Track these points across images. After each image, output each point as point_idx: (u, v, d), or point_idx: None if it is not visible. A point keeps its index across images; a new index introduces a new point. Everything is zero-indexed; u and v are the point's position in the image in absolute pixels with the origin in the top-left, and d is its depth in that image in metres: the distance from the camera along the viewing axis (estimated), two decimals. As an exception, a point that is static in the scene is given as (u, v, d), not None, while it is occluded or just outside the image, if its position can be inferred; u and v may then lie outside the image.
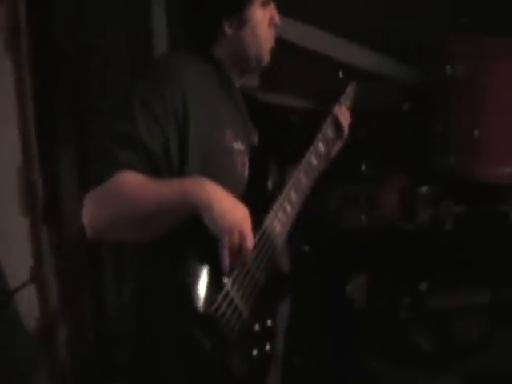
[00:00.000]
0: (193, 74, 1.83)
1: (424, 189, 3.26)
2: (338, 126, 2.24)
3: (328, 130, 2.19)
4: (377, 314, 3.25)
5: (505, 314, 3.32)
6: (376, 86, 3.59)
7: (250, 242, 1.69)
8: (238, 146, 1.87)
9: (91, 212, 1.67)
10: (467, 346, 3.23)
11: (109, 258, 3.37)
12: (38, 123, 2.95)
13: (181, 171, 1.75)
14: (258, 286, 1.78)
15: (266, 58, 1.98)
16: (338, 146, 2.28)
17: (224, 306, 1.66)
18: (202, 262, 1.67)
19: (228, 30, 1.88)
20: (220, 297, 1.66)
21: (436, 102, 3.39)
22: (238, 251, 1.68)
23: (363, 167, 3.30)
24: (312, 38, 3.64)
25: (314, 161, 2.07)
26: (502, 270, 3.27)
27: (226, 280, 1.68)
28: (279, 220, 1.87)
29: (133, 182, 1.66)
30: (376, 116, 3.40)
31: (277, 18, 1.97)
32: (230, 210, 1.66)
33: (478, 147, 3.20)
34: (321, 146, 2.12)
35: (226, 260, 1.66)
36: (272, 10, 1.96)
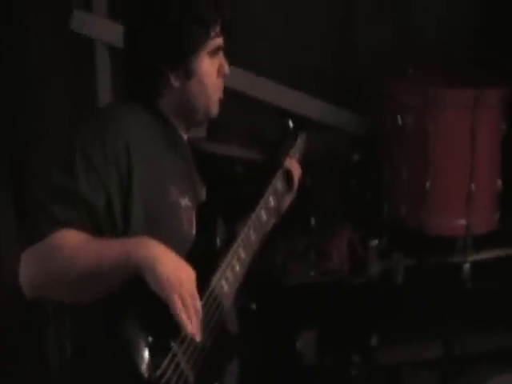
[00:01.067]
0: (137, 126, 1.77)
1: (375, 241, 3.21)
2: (288, 179, 2.20)
3: (278, 183, 2.15)
4: (327, 371, 3.17)
5: (456, 368, 3.29)
6: (325, 135, 3.57)
7: (198, 303, 1.63)
8: (185, 201, 1.82)
9: (28, 271, 1.62)
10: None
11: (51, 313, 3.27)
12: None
13: (124, 227, 1.69)
14: (204, 348, 1.71)
15: (215, 109, 1.93)
16: (288, 200, 2.24)
17: (169, 371, 1.59)
18: (147, 323, 1.59)
19: (174, 83, 1.82)
20: (166, 361, 1.58)
21: (386, 153, 3.37)
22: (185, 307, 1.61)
23: (312, 221, 3.24)
24: (259, 86, 3.61)
25: (264, 215, 2.03)
26: (453, 323, 3.26)
27: (171, 343, 1.61)
28: (227, 279, 1.81)
29: (72, 240, 1.60)
30: (324, 166, 3.37)
31: (226, 67, 1.91)
32: (174, 270, 1.59)
33: (429, 198, 3.17)
34: (271, 200, 2.09)
35: (184, 318, 1.58)
36: (221, 59, 1.91)
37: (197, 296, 1.63)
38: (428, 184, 3.13)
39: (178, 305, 1.57)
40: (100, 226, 1.65)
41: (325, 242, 3.27)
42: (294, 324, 3.17)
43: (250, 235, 1.93)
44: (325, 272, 3.22)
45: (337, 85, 3.71)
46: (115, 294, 1.60)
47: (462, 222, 3.17)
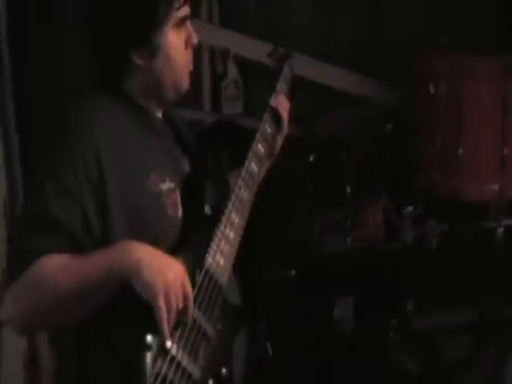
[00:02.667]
0: (105, 123, 1.66)
1: (408, 209, 3.26)
2: (277, 118, 2.02)
3: (266, 126, 1.98)
4: (364, 336, 3.23)
5: (490, 332, 3.30)
6: (358, 108, 3.62)
7: (188, 300, 1.55)
8: (167, 185, 1.70)
9: (12, 309, 1.55)
10: (454, 366, 3.21)
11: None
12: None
13: (105, 236, 1.60)
14: (206, 336, 1.63)
15: (186, 84, 1.79)
16: (280, 140, 2.07)
17: (171, 374, 1.51)
18: (139, 331, 1.51)
19: (139, 62, 1.69)
20: (165, 365, 1.50)
21: (419, 122, 3.42)
22: (177, 313, 1.54)
23: (348, 190, 3.30)
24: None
25: (255, 167, 1.89)
26: (487, 288, 3.29)
27: (169, 344, 1.52)
28: (222, 252, 1.71)
29: (51, 267, 1.52)
30: (359, 137, 3.43)
31: (194, 37, 1.76)
32: (160, 272, 1.51)
33: (462, 165, 3.23)
34: (260, 148, 1.94)
35: (165, 328, 1.50)
36: (188, 29, 1.75)
37: (186, 295, 1.55)
38: (461, 151, 3.20)
39: (162, 311, 1.49)
40: (80, 243, 1.57)
41: (360, 211, 3.33)
42: (331, 291, 3.23)
43: (241, 196, 1.81)
44: (361, 239, 3.28)
45: (368, 57, 3.74)
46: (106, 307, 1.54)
47: (495, 186, 3.24)
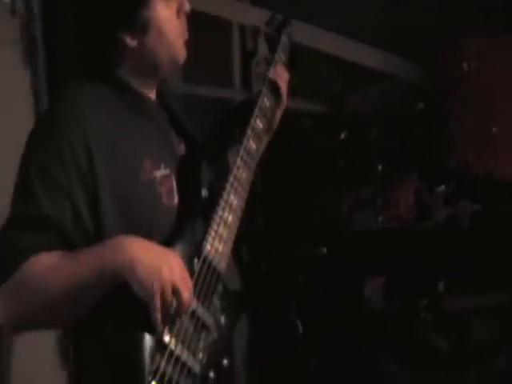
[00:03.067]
0: (94, 111, 1.58)
1: (440, 188, 3.24)
2: (276, 91, 1.93)
3: (265, 100, 1.89)
4: (394, 316, 3.23)
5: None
6: (388, 86, 3.60)
7: (185, 294, 1.48)
8: (161, 172, 1.63)
9: (3, 311, 1.50)
10: (485, 347, 3.20)
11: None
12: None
13: (97, 229, 1.54)
14: (205, 327, 1.57)
15: (182, 55, 1.70)
16: (280, 113, 1.96)
17: (170, 369, 1.46)
18: (135, 327, 1.46)
19: (130, 43, 1.61)
20: (163, 361, 1.45)
21: (451, 100, 3.39)
22: (175, 307, 1.49)
23: (379, 168, 3.28)
24: (322, 39, 3.64)
25: (253, 144, 1.81)
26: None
27: (167, 339, 1.47)
28: (221, 238, 1.64)
29: (41, 267, 1.47)
30: (390, 116, 3.41)
31: (186, 4, 1.67)
32: (155, 269, 1.45)
33: (495, 144, 3.20)
34: (259, 123, 1.85)
35: (159, 325, 1.45)
36: None
37: (184, 286, 1.48)
38: (494, 129, 3.16)
39: (158, 309, 1.44)
40: (72, 238, 1.52)
41: (391, 190, 3.31)
42: (362, 270, 3.23)
43: (240, 176, 1.74)
44: (392, 219, 3.26)
45: (397, 34, 3.70)
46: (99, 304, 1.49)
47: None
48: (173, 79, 3.14)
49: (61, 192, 1.50)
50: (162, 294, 1.44)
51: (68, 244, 1.51)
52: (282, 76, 1.95)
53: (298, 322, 2.98)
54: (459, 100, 3.32)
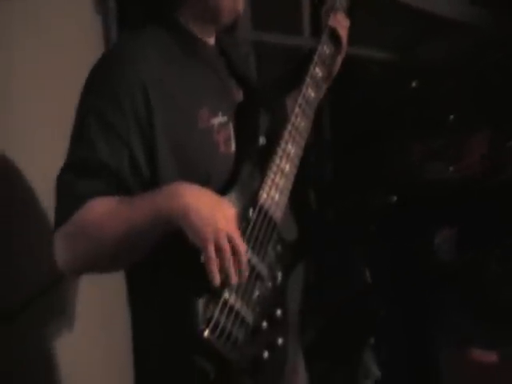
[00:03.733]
0: (152, 59, 1.58)
1: (514, 141, 3.18)
2: (335, 38, 1.92)
3: (325, 48, 1.88)
4: (465, 268, 3.20)
5: None
6: (466, 36, 3.51)
7: (241, 243, 1.48)
8: (218, 120, 1.63)
9: (62, 251, 1.53)
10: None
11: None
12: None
13: (154, 178, 1.56)
14: (259, 277, 1.57)
15: (241, 5, 1.70)
16: (340, 60, 1.96)
17: (223, 319, 1.47)
18: (189, 276, 1.48)
19: None
20: (217, 310, 1.46)
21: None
22: (230, 256, 1.47)
23: (451, 118, 3.23)
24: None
25: (312, 93, 1.79)
26: None
27: (221, 288, 1.47)
28: (277, 186, 1.64)
29: (98, 212, 1.49)
30: (464, 66, 3.34)
31: None
32: (209, 214, 1.45)
33: None
34: (318, 71, 1.83)
35: (215, 274, 1.43)
36: None
37: (236, 237, 1.47)
38: None
39: (212, 255, 1.43)
40: (128, 186, 1.53)
41: (464, 141, 3.27)
42: (432, 219, 3.20)
43: (298, 124, 1.73)
44: (463, 170, 3.23)
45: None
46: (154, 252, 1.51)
47: None
48: (242, 26, 3.12)
49: (119, 139, 1.52)
50: (217, 242, 1.44)
51: (124, 191, 1.52)
52: (342, 23, 1.93)
53: (367, 272, 2.98)
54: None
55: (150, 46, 1.60)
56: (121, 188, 1.52)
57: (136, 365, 1.66)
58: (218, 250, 1.44)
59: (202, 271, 1.43)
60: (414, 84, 3.32)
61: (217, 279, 1.43)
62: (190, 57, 1.66)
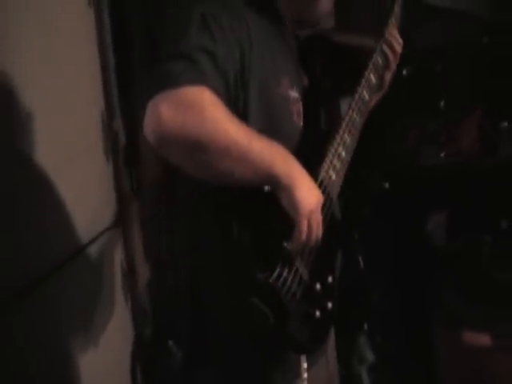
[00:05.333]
0: (252, 19, 1.69)
1: (504, 124, 3.19)
2: (389, 51, 2.04)
3: (378, 57, 2.01)
4: (457, 252, 3.22)
5: None
6: (453, 19, 3.52)
7: (320, 229, 1.66)
8: (294, 93, 1.77)
9: (161, 115, 1.43)
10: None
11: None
12: (117, 72, 2.98)
13: (244, 110, 1.65)
14: (316, 244, 1.70)
15: (331, 8, 1.90)
16: (389, 74, 2.08)
17: (285, 272, 1.61)
18: (259, 225, 1.60)
19: None
20: (280, 262, 1.61)
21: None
22: (309, 234, 1.63)
23: (442, 103, 3.25)
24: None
25: (366, 95, 1.94)
26: None
27: (285, 243, 1.62)
28: (334, 168, 1.78)
29: (219, 107, 1.49)
30: (454, 51, 3.35)
31: None
32: (308, 196, 1.60)
33: None
34: (372, 78, 1.97)
35: (299, 245, 1.62)
36: None
37: (321, 223, 1.65)
38: None
39: (304, 231, 1.60)
40: (230, 95, 1.60)
41: (455, 125, 3.28)
42: (425, 205, 3.23)
43: (354, 119, 1.87)
44: (455, 153, 3.24)
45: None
46: (228, 196, 1.60)
47: None
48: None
49: (230, 53, 1.59)
50: (309, 221, 1.60)
51: (227, 99, 1.56)
52: (396, 39, 2.06)
53: (360, 258, 3.00)
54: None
55: (247, 11, 1.70)
56: (226, 92, 1.57)
57: (194, 302, 1.75)
58: (309, 227, 1.60)
59: (269, 220, 1.60)
60: (404, 72, 3.33)
61: (298, 250, 1.62)
62: (278, 36, 1.80)
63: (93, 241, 2.54)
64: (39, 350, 1.99)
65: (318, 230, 1.64)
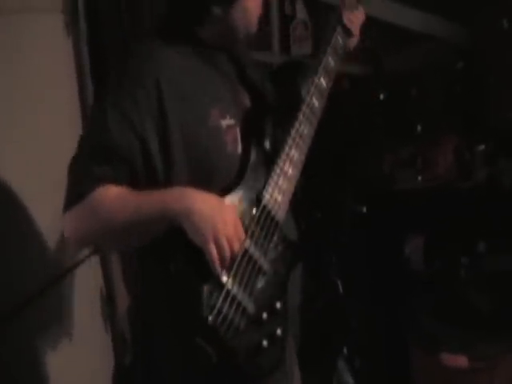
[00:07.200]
0: (167, 58, 1.69)
1: (481, 147, 3.23)
2: (347, 31, 1.99)
3: (329, 60, 1.93)
4: (434, 275, 3.24)
5: None
6: (428, 46, 3.58)
7: (236, 244, 1.61)
8: (227, 121, 1.72)
9: (72, 228, 1.65)
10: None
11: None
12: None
13: (166, 169, 1.66)
14: (261, 271, 1.69)
15: (255, 26, 1.81)
16: (353, 41, 2.05)
17: (226, 307, 1.60)
18: (195, 266, 1.60)
19: (219, 13, 1.72)
20: (220, 299, 1.59)
21: (492, 58, 3.36)
22: (231, 253, 1.60)
23: (418, 128, 3.28)
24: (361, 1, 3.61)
25: (316, 102, 1.85)
26: None
27: (224, 279, 1.60)
28: (280, 189, 1.74)
29: (111, 196, 1.61)
30: (430, 76, 3.39)
31: None
32: (209, 217, 1.57)
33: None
34: (322, 81, 1.88)
35: (217, 269, 1.58)
36: None
37: (237, 237, 1.61)
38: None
39: (213, 253, 1.56)
40: (139, 175, 1.64)
41: (431, 149, 3.30)
42: (402, 229, 3.24)
43: (302, 131, 1.80)
44: (432, 178, 3.26)
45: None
46: (164, 240, 1.62)
47: None
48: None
49: (133, 130, 1.61)
50: (216, 242, 1.56)
51: (135, 181, 1.63)
52: (355, 18, 2.03)
53: (339, 282, 3.02)
54: (502, 57, 3.29)
55: (163, 48, 1.71)
56: (132, 177, 1.63)
57: (138, 341, 1.80)
58: (218, 248, 1.57)
59: (206, 263, 1.58)
60: (381, 96, 3.37)
61: (219, 272, 1.59)
62: (204, 63, 1.76)
63: (73, 268, 2.54)
64: (18, 375, 1.99)
65: (231, 245, 1.59)
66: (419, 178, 3.25)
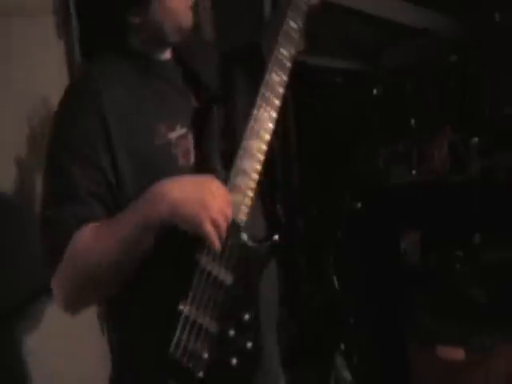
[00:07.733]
0: (108, 87, 1.61)
1: (475, 140, 3.23)
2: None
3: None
4: (431, 269, 3.25)
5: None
6: (422, 40, 3.58)
7: (229, 210, 1.54)
8: (177, 133, 1.64)
9: (62, 295, 1.57)
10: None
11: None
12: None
13: (120, 194, 1.58)
14: (223, 286, 1.58)
15: (188, 20, 1.69)
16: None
17: (185, 335, 1.51)
18: (151, 301, 1.56)
19: (136, 21, 1.64)
20: (178, 329, 1.51)
21: (486, 51, 3.36)
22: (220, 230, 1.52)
23: (412, 122, 3.29)
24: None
25: (276, 77, 1.69)
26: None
27: (181, 306, 1.51)
28: (239, 188, 1.63)
29: (85, 241, 1.52)
30: (423, 70, 3.40)
31: None
32: (197, 199, 1.50)
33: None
34: (282, 51, 1.71)
35: (216, 241, 1.50)
36: None
37: (226, 202, 1.53)
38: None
39: (212, 233, 1.49)
40: (109, 205, 1.57)
41: (425, 143, 3.31)
42: (397, 224, 3.25)
43: (260, 116, 1.67)
44: (426, 172, 3.27)
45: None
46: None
47: None
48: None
49: (90, 164, 1.55)
50: (212, 220, 1.48)
51: (107, 212, 1.55)
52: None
53: (335, 279, 3.03)
54: (496, 50, 3.29)
55: (105, 73, 1.64)
56: (103, 209, 1.55)
57: (115, 369, 1.73)
58: (216, 226, 1.49)
59: (160, 293, 1.52)
60: (375, 91, 3.38)
61: (217, 246, 1.51)
62: (144, 76, 1.68)
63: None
64: (19, 375, 2.00)
65: (225, 214, 1.51)
66: (414, 172, 3.25)
